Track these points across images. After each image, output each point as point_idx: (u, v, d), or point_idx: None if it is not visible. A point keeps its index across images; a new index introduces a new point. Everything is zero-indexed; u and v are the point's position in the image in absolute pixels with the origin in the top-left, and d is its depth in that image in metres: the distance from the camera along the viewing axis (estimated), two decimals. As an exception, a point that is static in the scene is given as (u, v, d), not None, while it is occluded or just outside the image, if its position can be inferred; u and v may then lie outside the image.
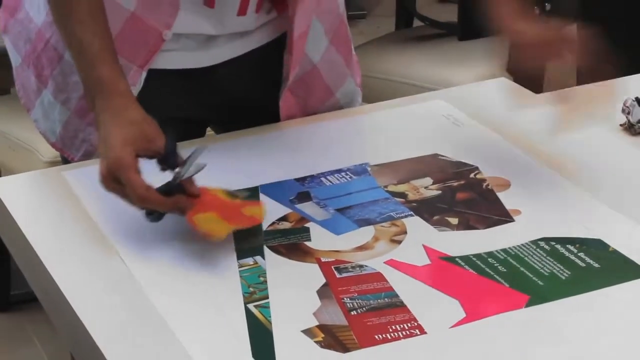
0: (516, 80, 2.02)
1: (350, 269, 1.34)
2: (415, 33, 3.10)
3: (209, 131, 1.85)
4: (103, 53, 1.48)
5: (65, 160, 1.71)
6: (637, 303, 1.27)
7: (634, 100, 1.68)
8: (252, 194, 1.51)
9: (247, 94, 1.73)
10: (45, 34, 1.62)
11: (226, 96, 1.72)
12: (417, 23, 3.13)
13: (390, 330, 1.23)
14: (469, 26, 2.71)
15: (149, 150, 1.40)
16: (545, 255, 1.35)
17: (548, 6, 2.65)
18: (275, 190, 1.52)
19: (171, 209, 1.38)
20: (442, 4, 3.25)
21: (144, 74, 1.61)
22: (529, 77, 2.63)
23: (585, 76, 2.25)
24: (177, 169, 1.40)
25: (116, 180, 1.38)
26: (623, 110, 1.69)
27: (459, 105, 1.73)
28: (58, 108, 1.67)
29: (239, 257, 1.37)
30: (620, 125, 1.69)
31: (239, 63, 1.68)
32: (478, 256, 1.36)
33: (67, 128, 1.67)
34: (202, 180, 1.48)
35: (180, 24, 1.60)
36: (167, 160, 1.42)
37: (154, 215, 1.39)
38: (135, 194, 1.36)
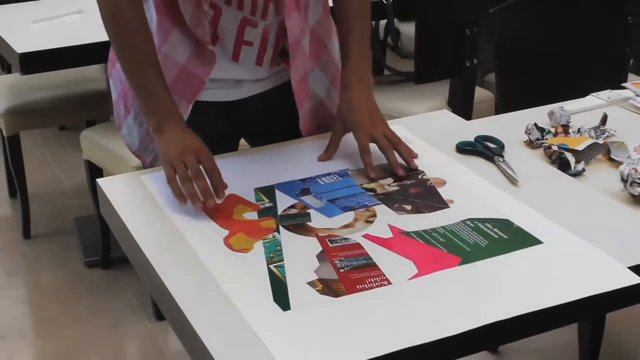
0: (454, 112, 2.04)
1: (339, 241, 1.35)
2: (384, 79, 3.08)
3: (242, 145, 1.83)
4: (170, 96, 1.52)
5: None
6: (533, 262, 1.28)
7: (533, 125, 1.70)
8: (270, 190, 1.50)
9: (269, 119, 1.72)
10: None
11: (254, 121, 1.71)
12: (386, 72, 3.15)
13: (367, 282, 1.24)
14: (422, 74, 2.72)
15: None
16: (470, 230, 1.36)
17: (475, 61, 2.67)
18: (286, 187, 1.51)
19: (217, 185, 1.42)
20: (403, 60, 3.26)
21: (191, 106, 1.61)
22: (463, 109, 2.67)
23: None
24: None
25: (183, 163, 1.42)
26: (526, 132, 1.70)
27: (412, 129, 1.71)
28: (136, 128, 1.69)
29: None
30: (524, 142, 1.70)
31: (261, 97, 1.68)
32: (425, 231, 1.36)
33: (142, 141, 1.69)
34: (236, 181, 1.48)
35: (216, 72, 1.61)
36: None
37: None
38: (211, 164, 1.42)
